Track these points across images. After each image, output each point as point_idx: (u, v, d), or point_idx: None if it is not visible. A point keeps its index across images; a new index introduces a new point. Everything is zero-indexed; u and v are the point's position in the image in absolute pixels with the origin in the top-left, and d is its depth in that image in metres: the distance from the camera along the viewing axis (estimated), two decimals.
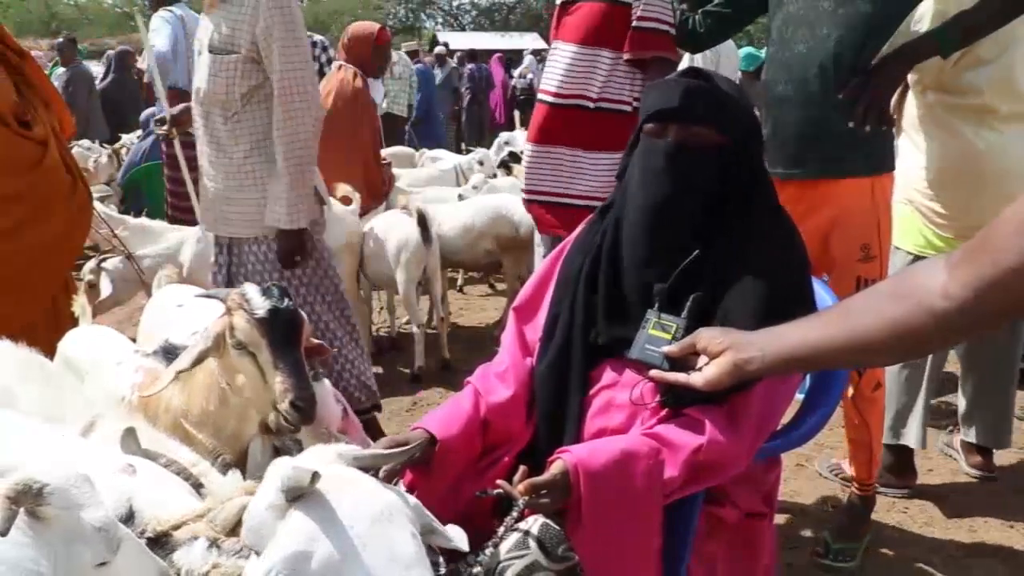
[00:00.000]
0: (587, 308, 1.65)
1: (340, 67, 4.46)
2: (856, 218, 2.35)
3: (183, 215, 4.84)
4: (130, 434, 1.39)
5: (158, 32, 4.80)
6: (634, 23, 2.68)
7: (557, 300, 1.71)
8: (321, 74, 4.72)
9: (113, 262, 3.51)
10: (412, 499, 1.16)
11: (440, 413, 1.64)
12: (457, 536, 1.20)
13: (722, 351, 1.37)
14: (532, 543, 1.41)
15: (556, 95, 2.78)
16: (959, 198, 2.64)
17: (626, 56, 2.71)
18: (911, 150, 2.77)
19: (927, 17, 2.50)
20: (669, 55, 2.75)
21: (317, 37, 4.99)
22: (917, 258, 2.73)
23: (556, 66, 2.80)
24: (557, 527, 1.43)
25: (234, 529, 1.16)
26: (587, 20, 2.72)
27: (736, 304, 1.54)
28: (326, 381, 1.97)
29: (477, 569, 1.30)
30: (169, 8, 4.87)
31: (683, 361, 1.47)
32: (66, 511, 0.97)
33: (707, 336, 1.41)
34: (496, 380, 1.69)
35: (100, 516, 0.99)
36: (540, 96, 2.87)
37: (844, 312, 1.23)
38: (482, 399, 1.65)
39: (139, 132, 6.72)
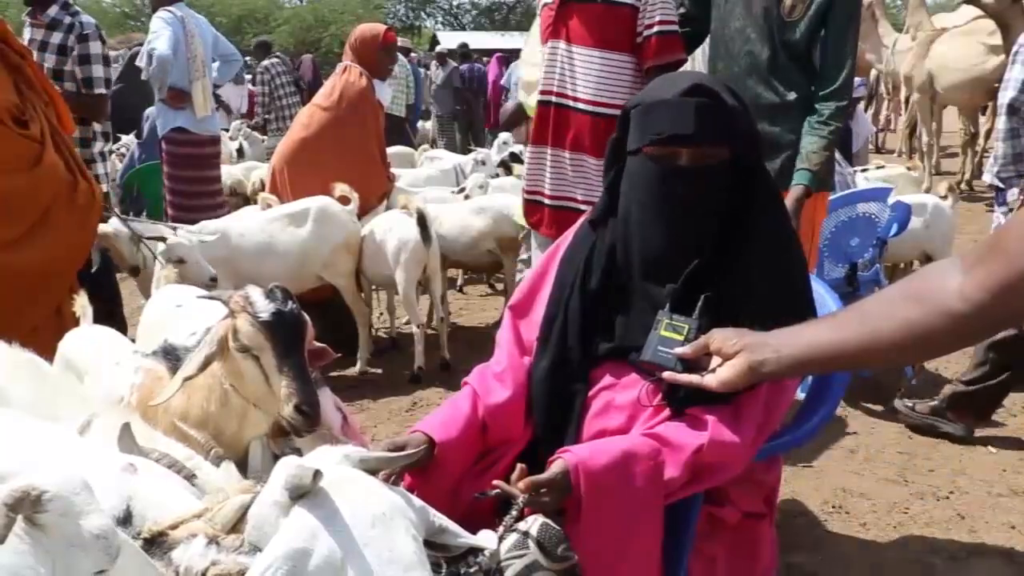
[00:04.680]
0: (587, 315, 1.64)
1: (346, 68, 4.46)
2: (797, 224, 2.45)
3: (184, 213, 4.85)
4: (127, 430, 1.39)
5: (159, 35, 4.79)
6: (657, 28, 2.63)
7: (554, 302, 1.70)
8: None
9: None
10: (417, 501, 1.16)
11: (438, 416, 1.63)
12: (484, 537, 1.21)
13: (736, 352, 1.37)
14: (531, 543, 1.41)
15: (594, 103, 2.69)
16: None
17: (651, 63, 2.64)
18: None
19: None
20: (683, 57, 2.76)
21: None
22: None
23: (583, 72, 2.69)
24: (556, 527, 1.43)
25: (234, 527, 1.15)
26: (602, 21, 2.66)
27: (745, 304, 1.54)
28: (327, 388, 1.96)
29: (475, 569, 1.30)
30: (169, 8, 4.86)
31: (695, 362, 1.46)
32: (65, 518, 0.95)
33: (721, 337, 1.41)
34: (494, 381, 1.68)
35: (99, 524, 0.98)
36: (564, 102, 2.74)
37: (859, 314, 1.23)
38: (480, 401, 1.64)
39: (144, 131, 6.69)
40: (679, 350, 1.48)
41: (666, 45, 2.65)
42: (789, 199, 2.46)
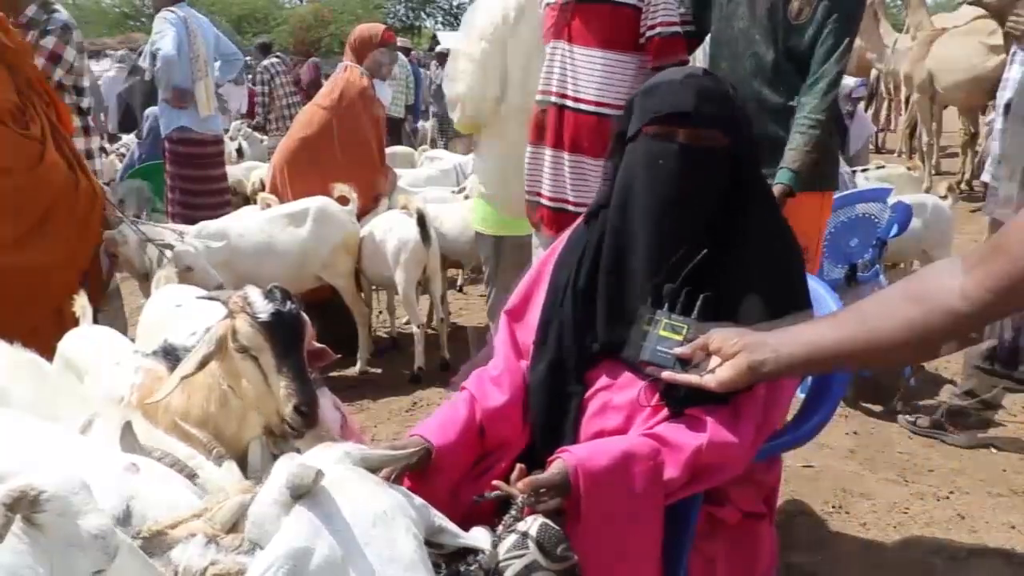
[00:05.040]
0: (579, 314, 1.64)
1: (347, 68, 4.47)
2: (802, 225, 2.43)
3: (189, 212, 4.85)
4: (128, 429, 1.39)
5: (163, 35, 4.81)
6: (659, 29, 2.62)
7: (549, 306, 1.69)
8: None
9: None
10: (418, 499, 1.16)
11: (436, 420, 1.62)
12: (478, 536, 1.20)
13: (735, 352, 1.36)
14: (531, 543, 1.41)
15: (597, 104, 2.68)
16: (513, 186, 3.05)
17: (653, 64, 2.63)
18: (479, 158, 3.39)
19: None
20: (685, 57, 2.75)
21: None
22: (497, 238, 3.28)
23: (585, 72, 2.67)
24: (556, 527, 1.42)
25: (235, 526, 1.15)
26: (607, 22, 2.64)
27: (744, 303, 1.54)
28: (326, 389, 1.96)
29: (475, 567, 1.30)
30: (171, 8, 4.87)
31: (695, 361, 1.46)
32: (63, 518, 0.95)
33: (720, 337, 1.41)
34: (491, 385, 1.68)
35: (98, 523, 0.98)
36: (564, 103, 2.72)
37: (859, 314, 1.23)
38: (477, 404, 1.64)
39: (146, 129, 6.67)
40: (678, 350, 1.48)
41: (669, 46, 2.64)
42: None
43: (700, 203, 1.58)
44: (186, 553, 1.10)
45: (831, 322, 1.29)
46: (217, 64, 5.34)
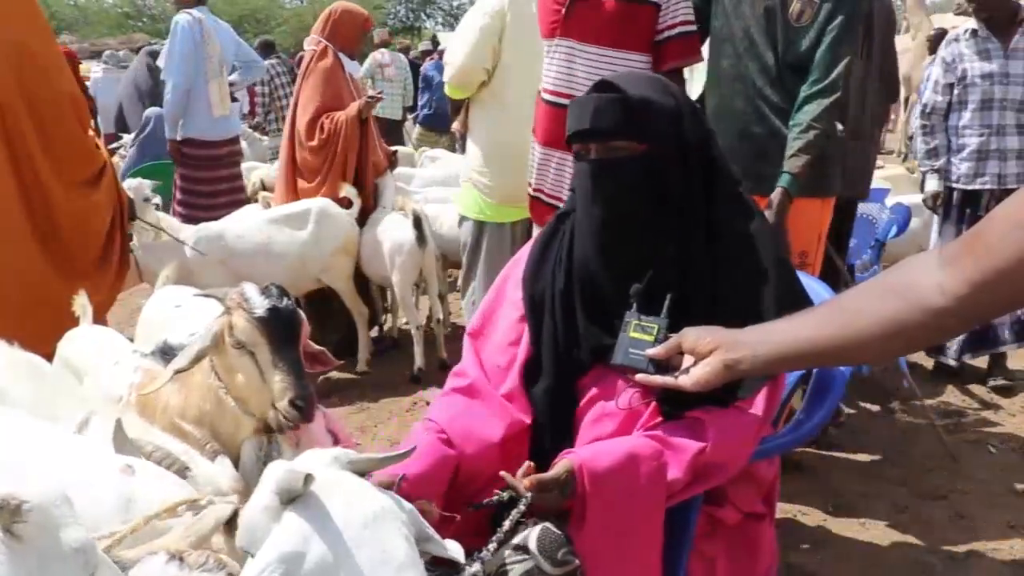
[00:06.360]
0: (564, 325, 1.63)
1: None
2: (801, 230, 2.47)
3: (196, 212, 4.84)
4: (119, 427, 1.38)
5: (173, 37, 4.84)
6: (679, 29, 2.58)
7: (536, 320, 1.67)
8: None
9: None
10: (407, 505, 1.16)
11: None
12: (454, 549, 1.20)
13: (710, 351, 1.33)
14: (533, 548, 1.41)
15: None
16: (503, 171, 3.28)
17: (671, 65, 2.60)
18: (469, 143, 3.46)
19: None
20: (700, 57, 2.74)
21: None
22: (479, 223, 3.37)
23: (594, 71, 2.59)
24: (557, 531, 1.42)
25: (229, 529, 1.14)
26: (616, 20, 2.58)
27: (713, 302, 1.53)
28: (324, 409, 1.93)
29: (477, 566, 1.30)
30: (189, 11, 4.88)
31: (668, 362, 1.43)
32: (44, 530, 0.92)
33: (693, 336, 1.37)
34: (476, 417, 1.60)
35: (79, 537, 0.95)
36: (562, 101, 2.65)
37: (837, 310, 1.20)
38: (454, 442, 1.56)
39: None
40: (650, 351, 1.45)
41: (688, 46, 2.62)
42: (771, 201, 2.44)
43: (629, 213, 1.58)
44: (143, 572, 1.07)
45: (808, 318, 1.25)
46: (239, 70, 5.40)
